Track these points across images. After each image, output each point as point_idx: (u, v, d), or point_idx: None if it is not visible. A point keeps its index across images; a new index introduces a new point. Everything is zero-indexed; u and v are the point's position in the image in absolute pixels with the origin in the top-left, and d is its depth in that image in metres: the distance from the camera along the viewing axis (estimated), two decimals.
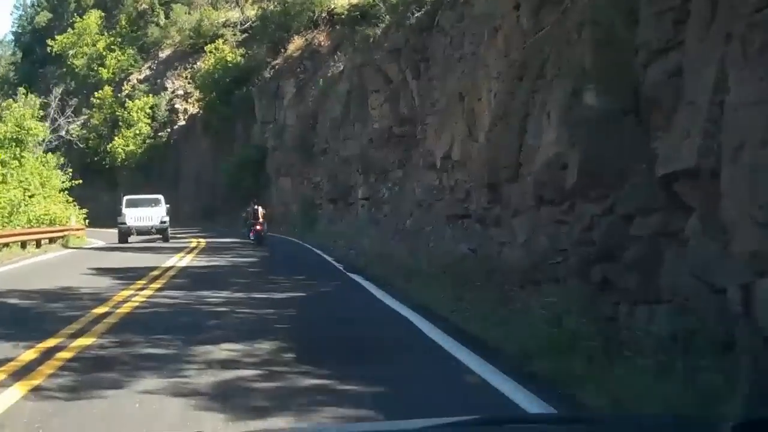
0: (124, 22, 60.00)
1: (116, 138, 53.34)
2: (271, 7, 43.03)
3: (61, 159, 32.35)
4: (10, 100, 32.47)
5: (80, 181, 31.47)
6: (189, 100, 53.63)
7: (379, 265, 15.36)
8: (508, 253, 12.18)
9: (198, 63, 52.06)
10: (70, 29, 60.67)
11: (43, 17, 69.43)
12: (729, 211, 5.87)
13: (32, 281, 13.36)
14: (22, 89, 29.07)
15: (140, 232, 27.73)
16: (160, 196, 29.43)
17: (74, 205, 29.61)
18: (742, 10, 5.92)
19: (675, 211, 7.01)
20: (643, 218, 7.50)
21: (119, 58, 57.91)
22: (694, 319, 6.18)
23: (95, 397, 5.25)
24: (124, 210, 27.84)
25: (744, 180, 5.64)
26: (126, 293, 11.15)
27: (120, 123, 53.83)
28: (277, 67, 41.25)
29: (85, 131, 52.95)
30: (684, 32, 7.38)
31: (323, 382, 5.52)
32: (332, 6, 37.84)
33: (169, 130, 54.19)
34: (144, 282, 12.82)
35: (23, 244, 22.04)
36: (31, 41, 69.99)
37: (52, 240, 24.93)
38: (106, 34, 59.88)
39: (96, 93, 55.47)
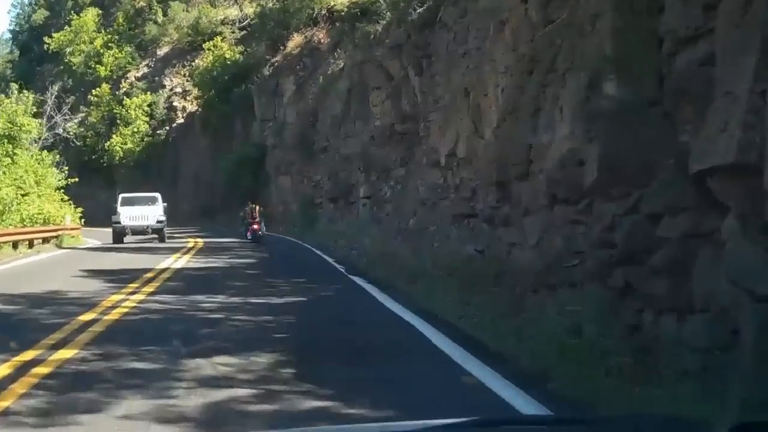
0: (121, 20, 59.53)
1: (114, 136, 52.90)
2: (270, 4, 42.56)
3: (57, 157, 31.70)
4: (2, 95, 31.87)
5: (76, 180, 30.94)
6: (187, 98, 53.19)
7: (381, 266, 14.81)
8: (518, 254, 11.62)
9: (196, 60, 51.66)
10: (67, 27, 60.35)
11: (41, 15, 69.09)
12: None
13: (20, 284, 12.79)
14: (14, 85, 28.43)
15: (135, 231, 26.62)
16: (157, 195, 28.45)
17: (70, 204, 29.02)
18: None
19: (708, 211, 6.43)
20: (671, 218, 6.92)
21: (117, 55, 57.44)
22: (730, 330, 5.64)
23: (70, 423, 4.65)
24: (120, 208, 26.66)
25: None
26: (116, 298, 10.56)
27: (118, 121, 53.38)
28: (276, 64, 40.84)
29: (82, 129, 52.42)
30: (715, 19, 6.81)
31: (326, 404, 4.92)
32: (332, 3, 37.38)
33: (167, 128, 53.75)
34: (136, 285, 12.24)
35: (15, 245, 21.43)
36: (29, 39, 69.68)
37: (45, 240, 24.33)
38: (103, 31, 59.51)
39: (93, 90, 54.98)
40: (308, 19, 38.51)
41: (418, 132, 22.19)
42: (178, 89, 54.30)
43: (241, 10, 51.40)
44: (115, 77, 57.07)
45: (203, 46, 49.47)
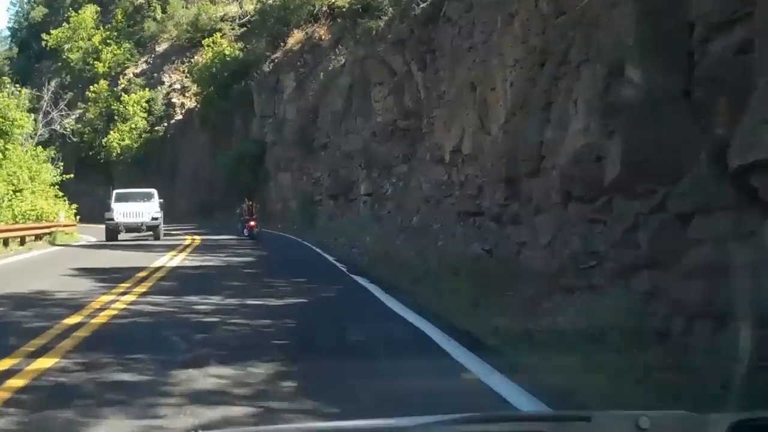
0: (120, 17, 59.06)
1: (112, 132, 52.43)
2: (271, 0, 42.02)
3: (52, 153, 31.15)
4: None
5: (72, 176, 30.43)
6: (186, 95, 52.75)
7: (383, 265, 14.27)
8: (529, 254, 11.10)
9: (195, 57, 51.23)
10: (65, 23, 59.93)
11: (39, 12, 68.72)
12: None
13: (6, 284, 12.23)
14: (6, 79, 27.86)
15: (129, 229, 25.56)
16: (153, 191, 27.52)
17: (64, 201, 28.46)
18: None
19: (747, 209, 5.89)
20: (705, 217, 6.38)
21: (115, 52, 56.96)
22: None
23: None
24: (113, 204, 25.57)
25: None
26: (105, 299, 9.99)
27: (116, 117, 52.96)
28: (276, 60, 40.44)
29: (80, 125, 51.83)
30: (753, 2, 6.27)
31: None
32: None
33: (165, 124, 53.31)
34: (128, 285, 11.67)
35: (5, 242, 20.84)
36: (27, 36, 69.27)
37: (38, 237, 23.74)
38: (102, 28, 59.06)
39: (91, 87, 54.46)
40: (309, 16, 38.19)
41: (421, 128, 21.76)
42: (177, 86, 53.86)
43: (241, 7, 51.02)
44: (113, 74, 56.63)
45: (202, 42, 49.07)
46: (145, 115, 52.92)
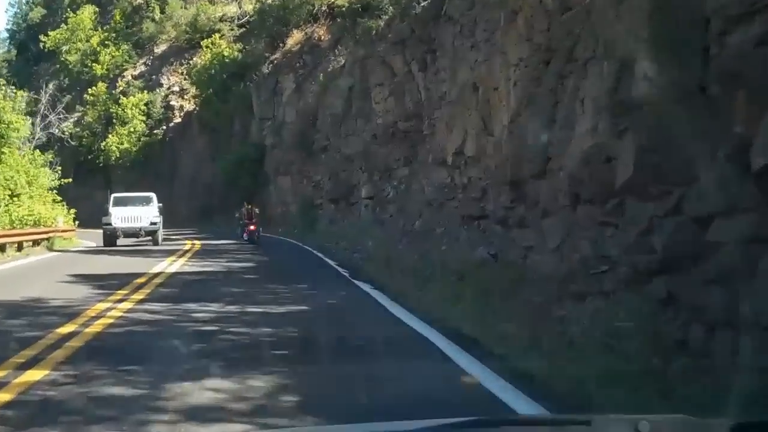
0: (118, 18, 58.78)
1: (110, 135, 52.14)
2: (270, 1, 41.76)
3: (51, 157, 30.87)
4: None
5: (70, 180, 30.13)
6: (185, 97, 52.46)
7: (386, 270, 13.99)
8: (536, 259, 10.80)
9: (194, 59, 50.91)
10: (63, 25, 59.61)
11: (37, 13, 68.43)
12: None
13: (0, 290, 11.93)
14: (1, 80, 27.52)
15: (127, 234, 25.05)
16: (152, 194, 27.05)
17: (62, 205, 28.16)
18: None
19: None
20: (725, 220, 6.09)
21: (113, 53, 56.68)
22: None
23: None
24: (111, 209, 24.98)
25: None
26: (101, 306, 9.70)
27: (114, 120, 52.62)
28: (275, 62, 40.14)
29: (78, 129, 51.55)
30: None
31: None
32: None
33: (164, 127, 53.01)
34: (125, 292, 11.38)
35: (2, 247, 20.52)
36: (26, 38, 68.98)
37: (36, 242, 23.43)
38: (100, 29, 58.82)
39: (89, 89, 54.18)
40: (308, 16, 37.86)
41: (423, 130, 21.48)
42: (176, 88, 53.58)
43: (240, 7, 50.74)
44: (111, 76, 56.34)
45: (201, 43, 48.76)
46: (144, 118, 52.63)
